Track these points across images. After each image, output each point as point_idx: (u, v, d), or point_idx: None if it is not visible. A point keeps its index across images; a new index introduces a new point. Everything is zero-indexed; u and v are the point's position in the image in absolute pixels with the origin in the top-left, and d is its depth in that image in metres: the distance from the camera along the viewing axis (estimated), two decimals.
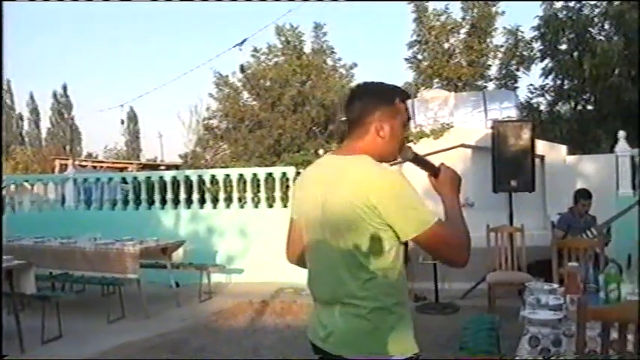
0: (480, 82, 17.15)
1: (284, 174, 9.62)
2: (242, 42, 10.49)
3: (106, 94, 52.06)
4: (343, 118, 15.31)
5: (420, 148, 8.93)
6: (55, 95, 44.33)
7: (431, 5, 17.28)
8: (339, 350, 2.07)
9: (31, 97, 44.24)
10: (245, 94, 17.94)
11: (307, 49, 18.17)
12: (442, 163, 2.29)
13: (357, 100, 2.17)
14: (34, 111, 44.34)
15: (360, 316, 2.03)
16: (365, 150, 2.10)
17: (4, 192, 11.43)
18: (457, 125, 9.18)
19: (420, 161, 2.25)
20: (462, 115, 9.55)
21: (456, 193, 2.24)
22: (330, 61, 18.53)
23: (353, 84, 18.46)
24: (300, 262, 2.42)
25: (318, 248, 2.18)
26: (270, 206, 9.63)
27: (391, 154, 2.18)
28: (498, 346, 3.89)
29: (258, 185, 9.83)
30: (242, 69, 17.40)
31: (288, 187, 9.63)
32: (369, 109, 2.13)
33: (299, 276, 9.11)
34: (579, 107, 14.00)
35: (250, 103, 17.60)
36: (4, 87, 42.75)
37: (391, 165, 2.23)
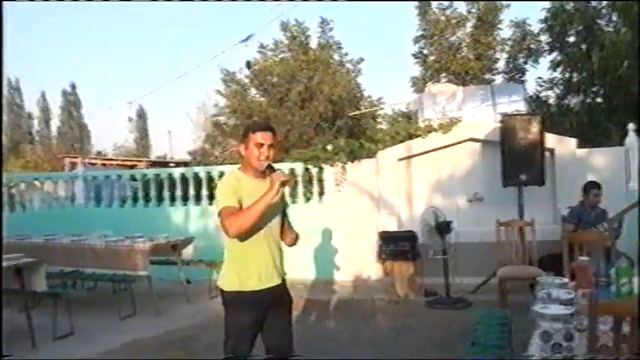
0: (487, 76, 17.08)
1: (292, 170, 9.63)
2: (247, 38, 10.48)
3: (115, 92, 52.21)
4: (351, 114, 15.31)
5: (428, 142, 8.95)
6: (64, 94, 44.49)
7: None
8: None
9: (42, 96, 44.43)
10: (253, 91, 17.93)
11: (313, 44, 18.15)
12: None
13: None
14: (45, 109, 44.49)
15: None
16: None
17: (13, 190, 11.49)
18: (465, 119, 9.13)
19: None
20: (470, 109, 9.47)
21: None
22: (336, 56, 18.47)
23: (360, 79, 18.50)
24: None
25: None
26: None
27: None
28: (510, 341, 3.88)
29: None
30: (248, 65, 17.39)
31: (296, 182, 9.62)
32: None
33: (308, 272, 9.12)
34: (588, 100, 13.88)
35: (258, 99, 17.60)
36: (13, 86, 43.00)
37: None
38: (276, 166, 3.31)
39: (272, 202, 3.16)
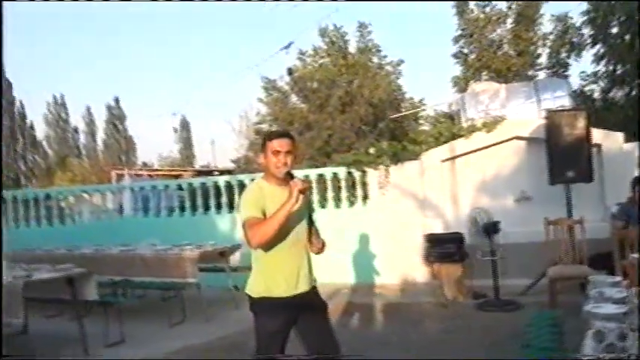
0: (530, 72, 16.83)
1: (335, 174, 9.63)
2: (288, 45, 10.53)
3: (158, 104, 53.17)
4: (392, 116, 15.25)
5: (472, 142, 8.85)
6: (108, 108, 45.50)
7: None
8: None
9: (88, 111, 45.53)
10: (293, 97, 18.02)
11: (352, 48, 18.15)
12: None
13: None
14: (90, 123, 45.58)
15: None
16: None
17: (63, 203, 11.79)
18: (510, 117, 9.01)
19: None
20: (514, 106, 9.35)
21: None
22: (375, 59, 18.44)
23: (400, 80, 18.41)
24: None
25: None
26: (323, 207, 9.59)
27: None
28: (562, 342, 3.81)
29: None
30: (289, 72, 17.49)
31: (340, 187, 9.62)
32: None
33: (353, 275, 9.08)
34: (634, 93, 13.54)
35: (299, 106, 17.68)
36: (59, 102, 44.13)
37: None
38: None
39: (292, 210, 3.17)
